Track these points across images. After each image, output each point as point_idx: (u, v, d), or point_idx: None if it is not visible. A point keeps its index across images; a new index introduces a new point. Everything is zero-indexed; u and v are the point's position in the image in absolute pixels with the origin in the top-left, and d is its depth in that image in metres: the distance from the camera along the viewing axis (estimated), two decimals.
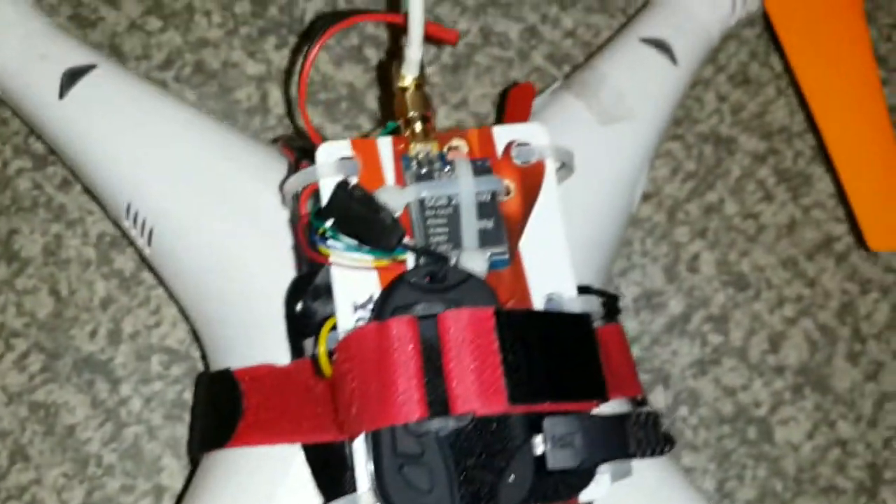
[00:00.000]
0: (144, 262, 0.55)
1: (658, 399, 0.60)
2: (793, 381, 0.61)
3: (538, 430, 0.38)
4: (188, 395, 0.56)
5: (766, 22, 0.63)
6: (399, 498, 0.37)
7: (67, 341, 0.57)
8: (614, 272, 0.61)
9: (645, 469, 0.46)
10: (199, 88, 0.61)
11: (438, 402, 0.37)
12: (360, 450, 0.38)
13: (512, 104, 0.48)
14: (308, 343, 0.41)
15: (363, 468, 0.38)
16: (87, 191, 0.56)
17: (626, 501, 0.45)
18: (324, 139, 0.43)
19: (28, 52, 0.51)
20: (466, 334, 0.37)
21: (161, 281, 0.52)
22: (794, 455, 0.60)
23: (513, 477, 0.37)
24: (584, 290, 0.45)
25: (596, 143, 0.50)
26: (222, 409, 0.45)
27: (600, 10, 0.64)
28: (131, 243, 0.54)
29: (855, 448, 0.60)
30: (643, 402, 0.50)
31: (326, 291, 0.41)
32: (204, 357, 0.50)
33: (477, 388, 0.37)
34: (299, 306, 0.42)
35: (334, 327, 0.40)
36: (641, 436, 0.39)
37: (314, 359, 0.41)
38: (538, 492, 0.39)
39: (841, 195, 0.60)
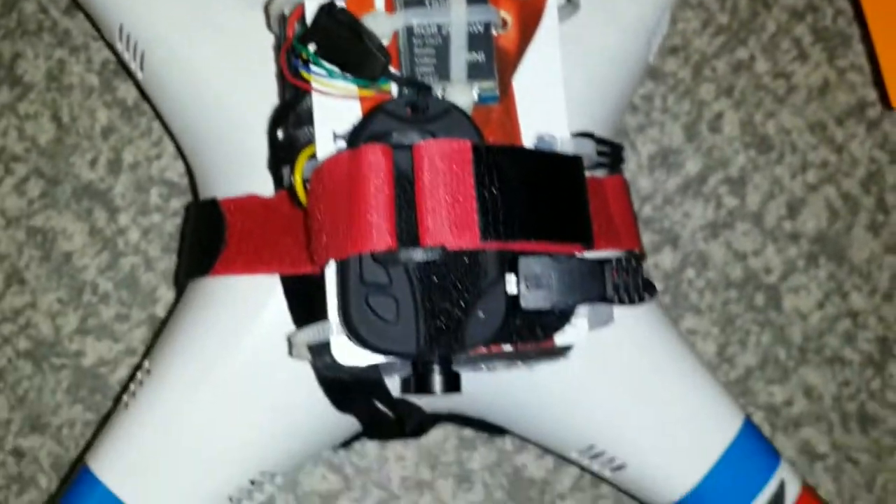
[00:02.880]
0: (140, 89, 0.54)
1: (665, 260, 0.58)
2: (808, 249, 0.59)
3: (515, 270, 0.37)
4: None
5: None
6: (363, 326, 0.36)
7: (67, 168, 0.56)
8: (631, 127, 0.59)
9: (636, 322, 0.45)
10: None
11: (408, 233, 0.36)
12: (330, 278, 0.37)
13: None
14: (287, 171, 0.40)
15: (333, 296, 0.37)
16: (90, 16, 0.55)
17: (613, 352, 0.45)
18: None
19: None
20: (441, 166, 0.36)
21: (154, 109, 0.51)
22: (802, 324, 0.58)
23: (482, 314, 0.36)
24: (584, 136, 0.43)
25: None
26: (206, 238, 0.45)
27: None
28: (127, 70, 0.53)
29: (867, 321, 0.58)
30: (641, 258, 0.49)
31: (309, 120, 0.39)
32: (195, 188, 0.49)
33: (448, 222, 0.35)
34: (280, 133, 0.41)
35: (313, 156, 0.39)
36: (620, 281, 0.38)
37: (290, 188, 0.40)
38: (512, 331, 0.38)
39: (871, 53, 0.57)
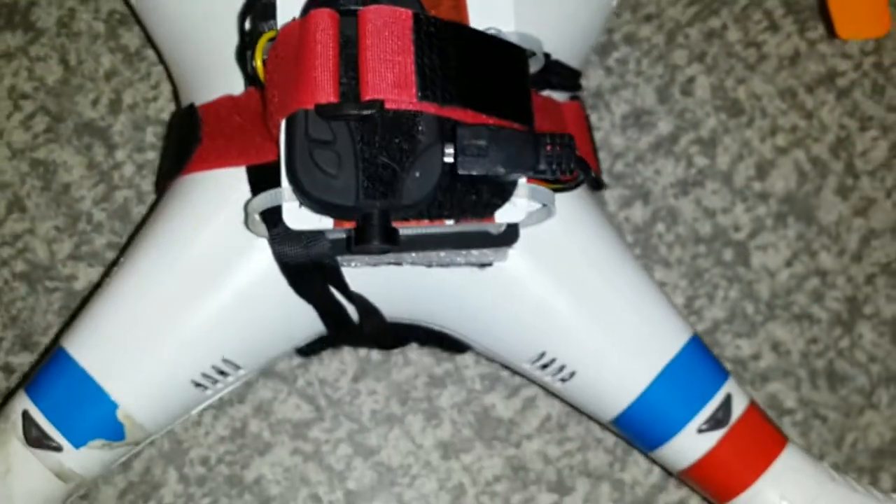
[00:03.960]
0: (134, 13, 0.57)
1: (636, 214, 0.60)
2: (776, 210, 0.60)
3: (453, 139, 0.39)
4: None
5: None
6: (306, 178, 0.38)
7: (71, 107, 0.60)
8: (605, 88, 0.61)
9: (582, 227, 0.47)
10: None
11: (350, 90, 0.38)
12: (281, 139, 0.40)
13: None
14: (250, 55, 0.43)
15: (282, 155, 0.40)
16: None
17: (559, 254, 0.46)
18: None
19: None
20: (384, 30, 0.38)
21: (148, 35, 0.55)
22: (770, 280, 0.59)
23: (419, 174, 0.39)
24: (547, 57, 0.46)
25: None
26: (184, 140, 0.48)
27: None
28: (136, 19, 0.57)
29: (835, 280, 0.60)
30: (599, 183, 0.51)
31: (274, 14, 0.42)
32: (179, 105, 0.52)
33: (387, 80, 0.38)
34: (248, 24, 0.44)
35: (272, 39, 0.42)
36: (554, 157, 0.40)
37: (254, 73, 0.42)
38: (453, 204, 0.40)
39: None
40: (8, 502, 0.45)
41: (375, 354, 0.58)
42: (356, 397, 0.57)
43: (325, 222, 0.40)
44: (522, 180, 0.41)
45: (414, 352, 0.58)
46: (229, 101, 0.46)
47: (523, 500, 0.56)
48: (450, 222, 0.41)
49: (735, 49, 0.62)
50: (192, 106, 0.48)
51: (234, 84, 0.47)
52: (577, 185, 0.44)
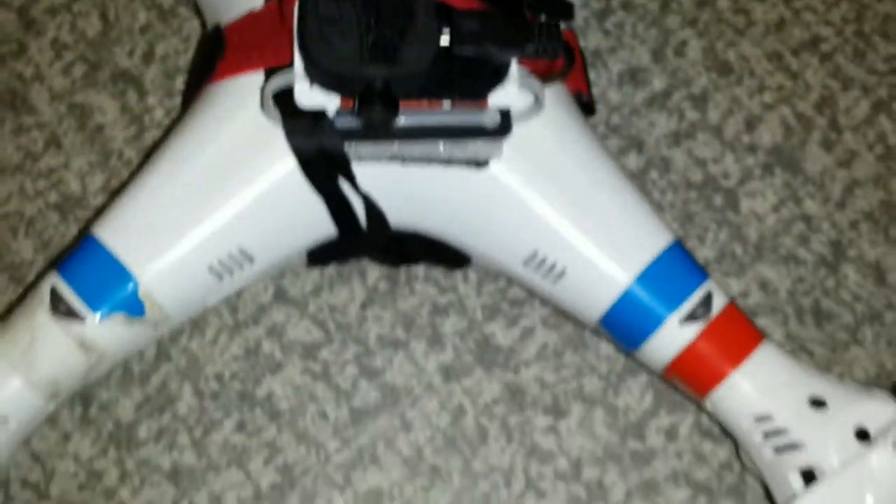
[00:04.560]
0: None
1: (630, 162, 0.64)
2: (764, 160, 0.64)
3: (450, 23, 0.44)
4: None
5: None
6: (316, 49, 0.43)
7: (108, 56, 0.65)
8: (603, 49, 0.66)
9: (567, 132, 0.51)
10: None
11: None
12: (294, 22, 0.44)
13: None
14: None
15: (295, 35, 0.44)
16: None
17: (547, 156, 0.50)
18: None
19: None
20: None
21: None
22: (758, 224, 0.63)
23: (417, 48, 0.43)
24: None
25: None
26: (209, 56, 0.52)
27: None
28: None
29: (820, 225, 0.63)
30: (591, 106, 0.55)
31: None
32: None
33: None
34: None
35: None
36: (541, 42, 0.44)
37: None
38: (450, 87, 0.44)
39: None
40: (30, 371, 0.48)
41: (383, 284, 0.61)
42: (363, 323, 0.61)
43: (332, 101, 0.45)
44: (514, 65, 0.45)
45: (419, 283, 0.61)
46: (250, 16, 0.51)
47: (520, 422, 0.59)
48: (447, 104, 0.45)
49: (725, 16, 0.67)
50: (217, 27, 0.53)
51: (255, 3, 0.52)
52: (564, 75, 0.48)
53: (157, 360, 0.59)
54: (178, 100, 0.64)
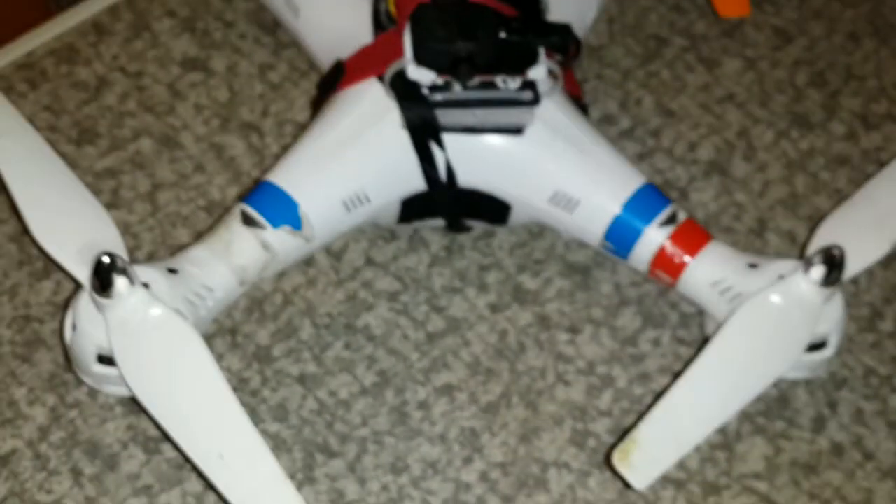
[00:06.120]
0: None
1: None
2: (704, 169, 0.91)
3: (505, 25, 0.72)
4: None
5: None
6: (422, 34, 0.70)
7: (235, 114, 0.91)
8: (586, 101, 0.94)
9: (563, 109, 0.77)
10: None
11: None
12: (407, 26, 0.72)
13: None
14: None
15: (408, 38, 0.71)
16: None
17: (558, 125, 0.76)
18: None
19: None
20: None
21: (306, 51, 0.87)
22: (704, 209, 0.89)
23: (486, 37, 0.71)
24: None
25: None
26: (331, 79, 0.79)
27: None
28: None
29: (747, 208, 0.89)
30: (585, 106, 0.82)
31: None
32: None
33: None
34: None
35: None
36: (559, 37, 0.72)
37: (386, 13, 0.75)
38: (502, 65, 0.71)
39: None
40: (230, 260, 0.71)
41: (442, 252, 0.85)
42: (430, 277, 0.84)
43: (431, 75, 0.71)
44: (541, 52, 0.72)
45: (468, 250, 0.85)
46: (363, 49, 0.79)
47: (548, 338, 0.82)
48: (500, 78, 0.72)
49: (667, 81, 0.96)
50: (339, 61, 0.80)
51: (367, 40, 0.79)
52: (574, 59, 0.74)
53: (283, 303, 0.82)
54: (288, 139, 0.90)
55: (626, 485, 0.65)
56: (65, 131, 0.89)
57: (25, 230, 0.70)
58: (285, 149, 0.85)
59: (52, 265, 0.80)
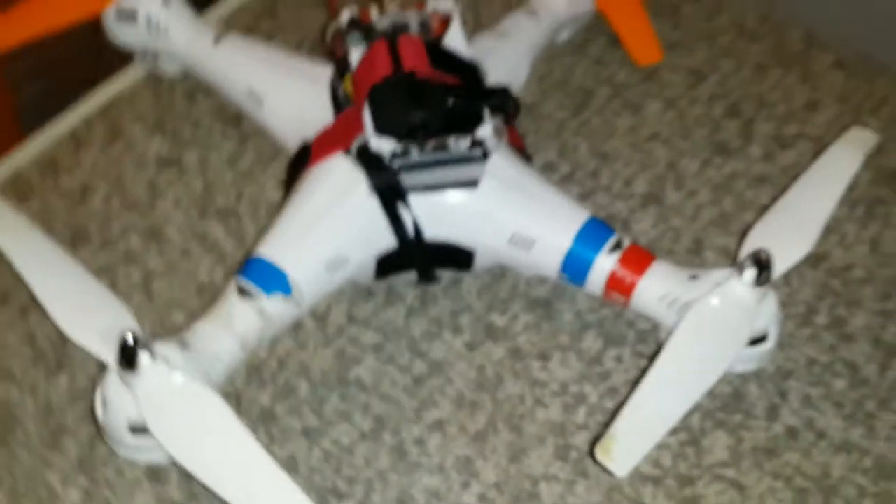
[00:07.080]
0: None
1: None
2: (640, 201, 1.01)
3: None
4: None
5: None
6: (380, 110, 0.79)
7: (211, 201, 1.00)
8: (529, 150, 1.04)
9: (513, 164, 0.87)
10: None
11: (398, 69, 0.81)
12: (366, 104, 0.81)
13: None
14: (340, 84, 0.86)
15: (368, 117, 0.81)
16: None
17: (509, 176, 0.86)
18: None
19: None
20: (411, 44, 0.82)
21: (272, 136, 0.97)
22: (645, 236, 0.99)
23: (437, 106, 0.80)
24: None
25: None
26: (300, 158, 0.88)
27: None
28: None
29: (683, 232, 0.99)
30: (528, 155, 0.92)
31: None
32: None
33: (413, 58, 0.81)
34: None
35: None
36: (499, 99, 0.82)
37: (344, 96, 0.85)
38: (452, 127, 0.81)
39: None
40: (232, 330, 0.79)
41: (416, 302, 0.93)
42: (408, 327, 0.92)
43: (391, 143, 0.81)
44: (487, 112, 0.82)
45: (440, 298, 0.94)
46: (325, 130, 0.88)
47: (522, 367, 0.90)
48: (452, 139, 0.81)
49: (597, 128, 1.06)
50: (305, 143, 0.89)
51: (328, 121, 0.89)
52: (514, 116, 0.84)
53: (279, 367, 0.90)
54: (264, 219, 0.98)
55: (609, 473, 0.73)
56: (58, 235, 0.97)
57: (34, 333, 0.77)
58: (262, 228, 0.94)
59: (65, 358, 0.88)
